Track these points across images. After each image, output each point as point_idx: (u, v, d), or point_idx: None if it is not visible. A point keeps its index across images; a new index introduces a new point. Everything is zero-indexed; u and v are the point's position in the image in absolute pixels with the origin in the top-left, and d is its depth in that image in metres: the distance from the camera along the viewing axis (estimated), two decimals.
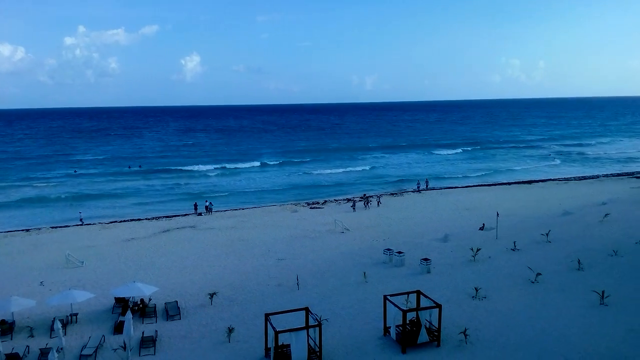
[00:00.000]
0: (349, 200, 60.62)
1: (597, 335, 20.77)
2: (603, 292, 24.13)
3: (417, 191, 67.10)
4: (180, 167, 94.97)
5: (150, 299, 27.58)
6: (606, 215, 42.52)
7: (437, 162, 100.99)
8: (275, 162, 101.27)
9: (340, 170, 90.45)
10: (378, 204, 56.52)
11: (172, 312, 26.10)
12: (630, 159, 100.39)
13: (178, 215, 55.54)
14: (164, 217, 55.01)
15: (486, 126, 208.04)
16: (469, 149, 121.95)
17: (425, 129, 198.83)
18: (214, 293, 27.70)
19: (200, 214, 55.37)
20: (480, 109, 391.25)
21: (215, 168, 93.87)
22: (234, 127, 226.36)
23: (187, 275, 33.25)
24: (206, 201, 58.05)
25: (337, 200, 61.75)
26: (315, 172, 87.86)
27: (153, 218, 54.45)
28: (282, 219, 51.74)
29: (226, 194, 69.98)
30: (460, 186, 72.26)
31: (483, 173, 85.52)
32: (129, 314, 21.58)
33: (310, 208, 57.84)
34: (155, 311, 26.39)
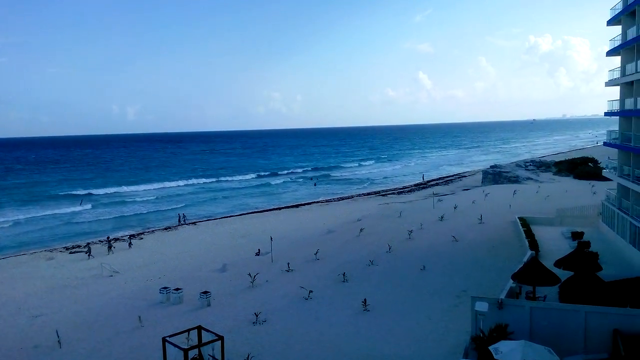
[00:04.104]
0: (116, 239, 55.80)
1: (363, 339, 23.12)
2: (365, 299, 27.12)
3: (192, 223, 65.90)
4: None
5: None
6: (361, 230, 48.74)
7: (214, 193, 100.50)
8: (21, 209, 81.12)
9: (109, 210, 79.20)
10: (129, 246, 51.67)
11: None
12: (376, 180, 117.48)
13: None
14: None
15: (257, 155, 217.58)
16: (251, 178, 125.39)
17: (194, 160, 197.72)
18: None
19: None
20: (249, 139, 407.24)
21: None
22: None
23: None
24: None
25: (101, 241, 55.84)
26: (76, 220, 73.15)
27: None
28: (34, 269, 44.58)
29: None
30: (235, 214, 73.57)
31: (258, 201, 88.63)
32: None
33: (70, 253, 51.24)
34: None
